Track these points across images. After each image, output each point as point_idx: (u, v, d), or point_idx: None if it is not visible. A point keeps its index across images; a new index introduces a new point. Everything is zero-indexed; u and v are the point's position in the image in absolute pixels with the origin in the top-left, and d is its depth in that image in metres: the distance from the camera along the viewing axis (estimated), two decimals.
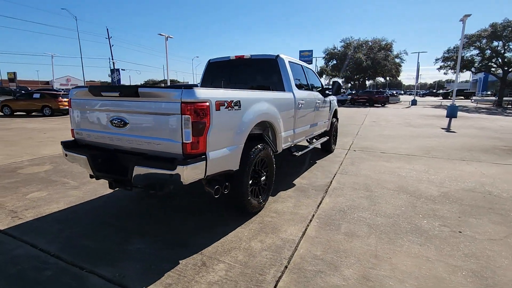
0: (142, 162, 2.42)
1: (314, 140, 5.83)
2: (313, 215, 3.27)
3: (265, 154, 3.31)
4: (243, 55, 4.40)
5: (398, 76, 40.82)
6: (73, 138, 3.13)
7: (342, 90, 6.41)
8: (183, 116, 2.24)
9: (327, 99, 5.83)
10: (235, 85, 4.45)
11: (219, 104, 2.48)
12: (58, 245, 2.60)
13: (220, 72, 4.61)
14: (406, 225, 3.01)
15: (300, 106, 4.22)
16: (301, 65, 4.88)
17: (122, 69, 42.15)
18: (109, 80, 41.74)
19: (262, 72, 4.30)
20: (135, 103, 2.49)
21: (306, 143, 5.62)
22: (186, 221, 3.13)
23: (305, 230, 2.91)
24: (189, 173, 2.27)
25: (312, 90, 5.02)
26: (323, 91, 5.63)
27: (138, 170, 2.41)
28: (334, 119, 6.57)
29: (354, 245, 2.62)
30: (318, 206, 3.52)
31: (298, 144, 5.25)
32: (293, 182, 4.47)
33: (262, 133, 3.57)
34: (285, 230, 2.92)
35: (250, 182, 3.08)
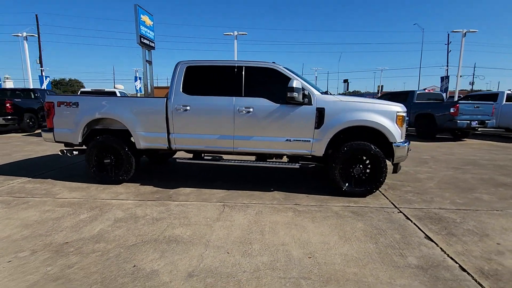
0: None
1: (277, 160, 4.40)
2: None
3: (115, 144, 4.40)
4: None
5: None
6: None
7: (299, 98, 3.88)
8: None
9: (308, 108, 3.96)
10: None
11: (60, 103, 4.51)
12: None
13: None
14: None
15: (182, 111, 4.18)
16: (237, 67, 4.17)
17: (446, 76, 37.74)
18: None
19: None
20: None
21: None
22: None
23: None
24: (45, 136, 4.64)
25: (244, 95, 4.11)
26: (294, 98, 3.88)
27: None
28: (372, 144, 3.90)
29: None
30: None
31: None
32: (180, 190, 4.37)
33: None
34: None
35: (96, 158, 4.50)
